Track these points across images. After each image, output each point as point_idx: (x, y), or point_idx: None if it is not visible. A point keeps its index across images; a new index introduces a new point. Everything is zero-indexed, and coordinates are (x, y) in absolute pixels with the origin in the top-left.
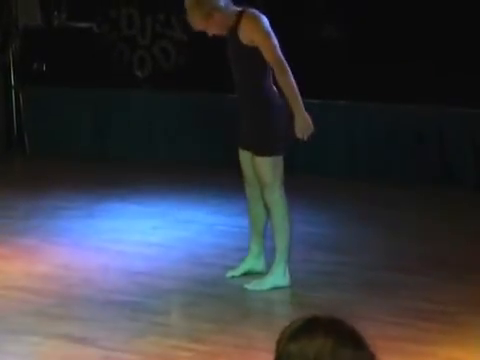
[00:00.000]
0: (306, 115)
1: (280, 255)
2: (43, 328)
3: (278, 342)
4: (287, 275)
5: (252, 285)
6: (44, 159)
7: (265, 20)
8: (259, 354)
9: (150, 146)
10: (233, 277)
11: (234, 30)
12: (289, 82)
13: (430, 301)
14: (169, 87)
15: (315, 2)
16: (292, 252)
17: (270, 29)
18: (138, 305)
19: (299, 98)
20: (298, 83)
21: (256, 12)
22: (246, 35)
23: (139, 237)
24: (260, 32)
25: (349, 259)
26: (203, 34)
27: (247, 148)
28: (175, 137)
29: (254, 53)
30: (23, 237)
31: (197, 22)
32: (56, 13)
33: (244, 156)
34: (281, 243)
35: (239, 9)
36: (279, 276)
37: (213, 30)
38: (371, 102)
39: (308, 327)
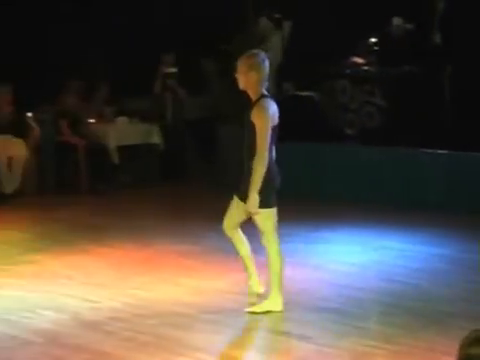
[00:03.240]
0: (257, 197)
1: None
2: (267, 326)
3: (460, 348)
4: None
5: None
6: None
7: (270, 114)
8: (439, 356)
9: (355, 188)
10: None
11: (253, 105)
12: (260, 169)
13: None
14: (372, 142)
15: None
16: (458, 274)
17: (268, 124)
18: (343, 311)
19: (258, 184)
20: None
21: (266, 104)
22: (253, 116)
23: (344, 259)
24: (259, 122)
25: None
26: (398, 101)
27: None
28: (375, 181)
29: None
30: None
31: (239, 68)
32: (286, 85)
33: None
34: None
35: (264, 93)
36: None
37: (241, 83)
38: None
39: None
